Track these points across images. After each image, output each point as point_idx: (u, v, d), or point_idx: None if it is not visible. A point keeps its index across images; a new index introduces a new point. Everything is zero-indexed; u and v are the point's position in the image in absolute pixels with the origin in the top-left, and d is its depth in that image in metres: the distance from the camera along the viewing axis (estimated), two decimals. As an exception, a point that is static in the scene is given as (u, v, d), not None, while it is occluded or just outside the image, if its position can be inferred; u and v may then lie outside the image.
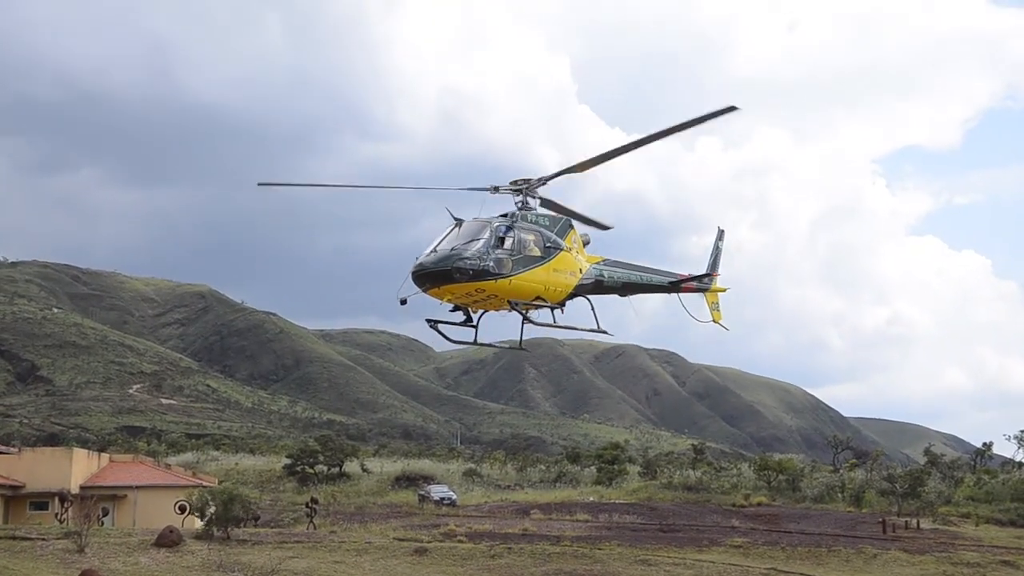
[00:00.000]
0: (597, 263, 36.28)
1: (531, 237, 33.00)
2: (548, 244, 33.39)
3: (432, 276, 31.19)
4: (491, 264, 31.40)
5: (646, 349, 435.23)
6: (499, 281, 31.59)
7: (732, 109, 28.97)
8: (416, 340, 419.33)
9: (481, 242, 31.55)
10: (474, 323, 34.18)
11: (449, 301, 32.31)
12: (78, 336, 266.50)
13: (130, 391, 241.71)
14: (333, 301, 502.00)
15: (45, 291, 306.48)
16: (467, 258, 31.18)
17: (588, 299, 35.16)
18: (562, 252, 33.89)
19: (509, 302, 32.30)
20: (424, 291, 31.53)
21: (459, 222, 32.31)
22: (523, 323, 33.72)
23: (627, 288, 37.67)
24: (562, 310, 34.78)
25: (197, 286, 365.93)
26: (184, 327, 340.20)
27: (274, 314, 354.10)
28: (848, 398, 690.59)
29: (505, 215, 33.22)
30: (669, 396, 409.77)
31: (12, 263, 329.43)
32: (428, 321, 33.75)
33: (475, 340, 34.36)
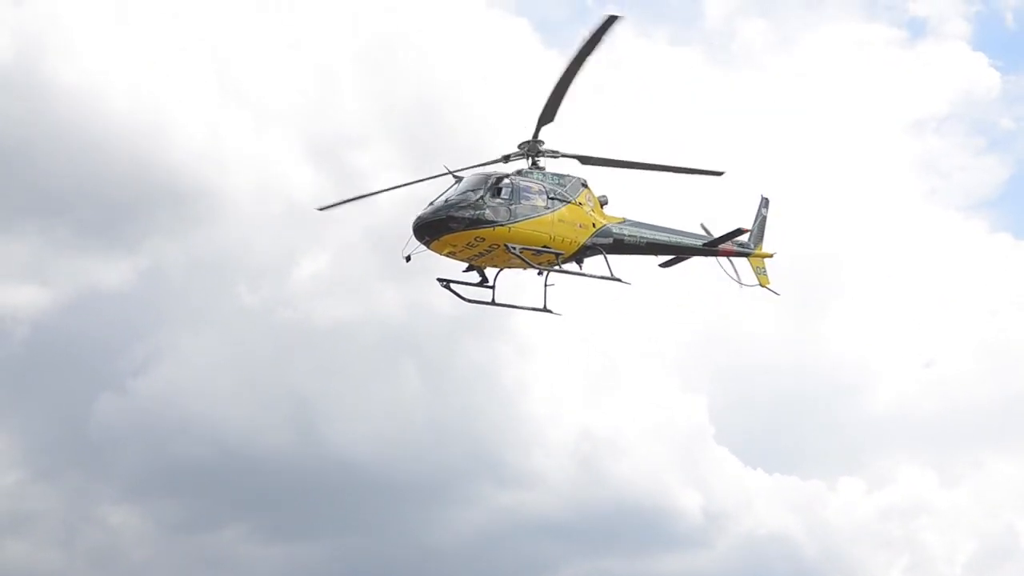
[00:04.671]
0: (618, 223, 35.87)
1: (533, 187, 32.80)
2: (552, 196, 33.09)
3: (429, 226, 31.19)
4: (487, 211, 31.26)
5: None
6: (497, 228, 31.37)
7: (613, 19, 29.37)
8: None
9: (478, 192, 31.48)
10: (490, 283, 34.14)
11: (452, 255, 32.15)
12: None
13: None
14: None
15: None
16: (463, 206, 31.14)
17: (603, 252, 34.66)
18: (569, 204, 33.58)
19: (515, 254, 31.91)
20: (426, 245, 31.55)
21: (459, 178, 32.44)
22: (545, 283, 33.64)
23: (654, 248, 37.30)
24: (580, 266, 34.58)
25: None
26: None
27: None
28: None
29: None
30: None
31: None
32: (440, 280, 33.77)
33: (493, 300, 34.21)
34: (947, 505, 76.75)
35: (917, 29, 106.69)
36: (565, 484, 68.68)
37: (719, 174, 36.42)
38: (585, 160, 34.61)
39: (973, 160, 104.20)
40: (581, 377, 75.14)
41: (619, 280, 34.38)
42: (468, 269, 33.71)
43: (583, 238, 34.02)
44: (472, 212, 31.07)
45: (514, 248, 31.77)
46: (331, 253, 71.32)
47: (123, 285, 71.18)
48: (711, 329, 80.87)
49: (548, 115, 32.43)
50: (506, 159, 33.96)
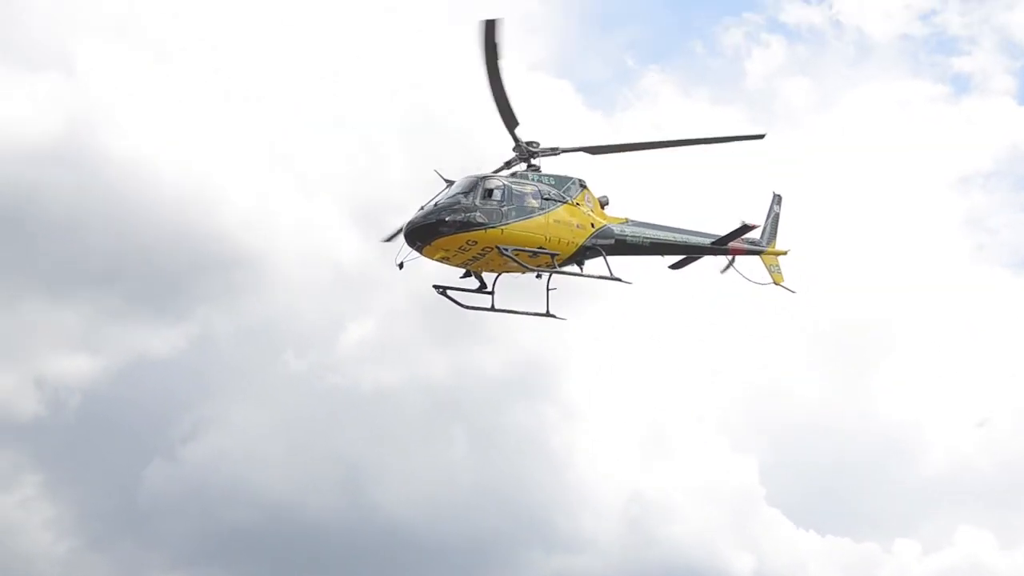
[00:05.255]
0: (620, 223, 35.24)
1: (526, 189, 32.27)
2: (547, 197, 32.52)
3: (420, 231, 30.78)
4: (479, 214, 30.78)
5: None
6: (489, 231, 30.86)
7: (759, 137, 30.84)
8: None
9: (469, 194, 31.05)
10: (489, 289, 33.55)
11: (445, 260, 31.72)
12: None
13: None
14: None
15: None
16: (453, 209, 30.71)
17: (603, 253, 33.90)
18: (565, 204, 33.02)
19: (509, 256, 31.27)
20: (419, 251, 31.11)
21: (449, 183, 32.09)
22: (547, 287, 33.01)
23: (659, 248, 36.49)
24: (581, 268, 33.89)
25: None
26: None
27: None
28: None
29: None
30: None
31: None
32: (436, 287, 33.26)
33: (492, 306, 33.57)
34: (1006, 567, 75.27)
35: (961, 85, 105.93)
36: (615, 547, 68.02)
37: (760, 137, 35.12)
38: (594, 150, 34.11)
39: (1021, 216, 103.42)
40: (629, 439, 74.66)
41: (619, 280, 33.69)
42: (465, 275, 33.31)
43: (581, 239, 33.38)
44: (463, 215, 30.60)
45: (507, 250, 31.16)
46: (378, 318, 71.66)
47: (173, 352, 71.78)
48: (760, 389, 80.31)
49: (508, 121, 32.20)
50: (508, 165, 33.73)
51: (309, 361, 70.92)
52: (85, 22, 76.70)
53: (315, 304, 72.50)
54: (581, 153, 34.29)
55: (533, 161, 33.70)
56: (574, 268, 33.99)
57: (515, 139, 33.01)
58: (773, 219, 41.12)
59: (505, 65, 30.24)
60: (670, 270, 38.71)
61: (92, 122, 68.78)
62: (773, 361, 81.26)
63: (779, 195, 41.85)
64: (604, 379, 74.62)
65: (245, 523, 65.31)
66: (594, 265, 34.55)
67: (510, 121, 32.14)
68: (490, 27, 29.21)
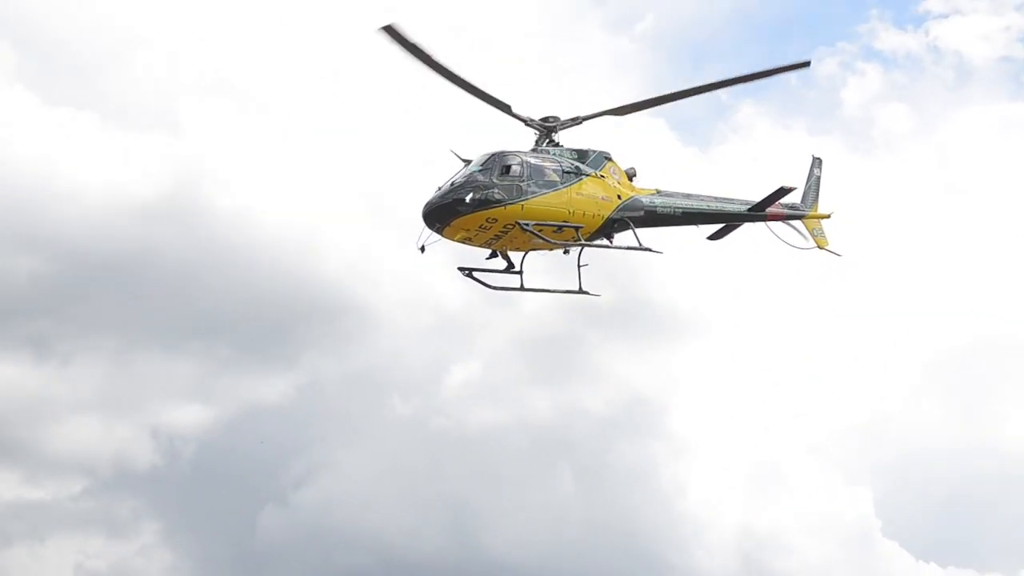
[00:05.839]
0: (650, 194, 34.22)
1: (546, 163, 31.41)
2: (567, 170, 31.63)
3: (438, 212, 30.08)
4: (496, 191, 29.98)
5: None
6: (508, 207, 30.02)
7: (805, 64, 30.22)
8: None
9: (486, 171, 30.34)
10: (517, 269, 32.70)
11: (467, 240, 30.93)
12: None
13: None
14: None
15: None
16: (470, 187, 29.98)
17: (632, 225, 32.82)
18: (588, 177, 32.06)
19: (530, 230, 30.30)
20: (439, 232, 30.43)
21: (467, 162, 31.40)
22: (578, 264, 32.07)
23: (692, 218, 35.23)
24: (610, 242, 32.84)
25: None
26: None
27: None
28: None
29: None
30: None
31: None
32: (461, 269, 32.64)
33: (522, 286, 32.62)
34: None
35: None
36: (728, 585, 67.23)
37: (806, 65, 33.13)
38: (620, 111, 32.89)
39: None
40: (740, 472, 73.68)
41: (649, 249, 32.70)
42: (491, 256, 32.48)
43: (607, 211, 32.33)
44: (481, 193, 29.81)
45: (528, 225, 30.24)
46: (481, 360, 72.04)
47: (282, 399, 73.06)
48: (873, 417, 78.65)
49: (499, 106, 31.60)
50: (536, 144, 32.74)
51: (415, 404, 71.65)
52: (187, 80, 79.23)
53: (419, 347, 73.27)
54: (608, 121, 33.29)
55: (554, 136, 32.87)
56: (603, 242, 32.92)
57: (524, 120, 32.35)
58: (814, 182, 39.77)
59: (443, 56, 29.76)
60: (708, 241, 37.41)
61: (198, 178, 70.91)
62: (886, 387, 79.89)
63: (819, 158, 40.55)
64: (712, 412, 73.99)
65: (358, 566, 65.88)
66: (624, 239, 33.62)
67: (500, 105, 31.47)
68: (392, 32, 28.93)
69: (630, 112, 32.94)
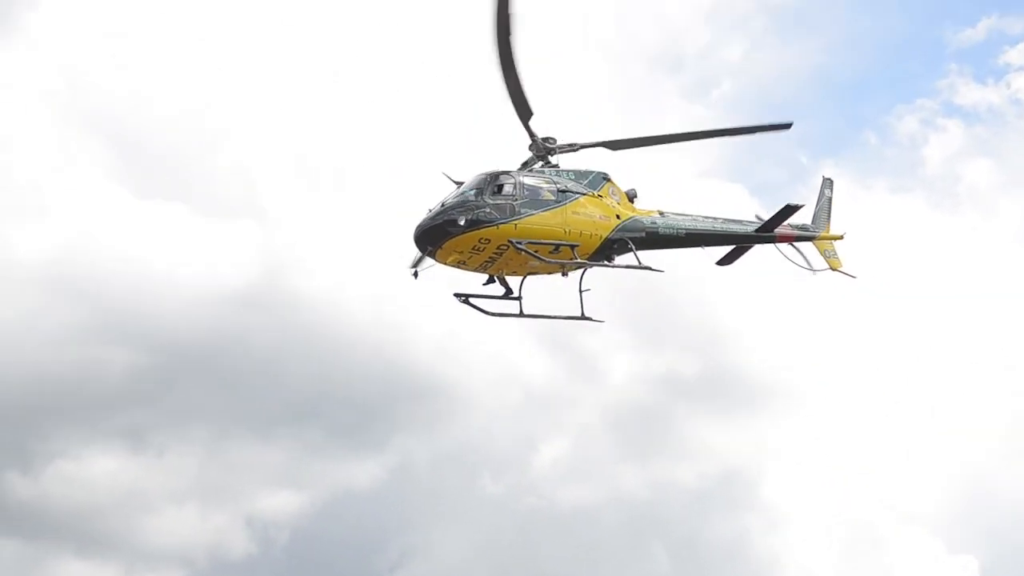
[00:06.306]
0: (652, 215, 33.11)
1: (541, 182, 30.44)
2: (563, 189, 30.63)
3: (429, 234, 29.12)
4: (489, 210, 28.98)
5: None
6: (501, 226, 28.95)
7: (787, 126, 28.42)
8: None
9: (477, 191, 29.39)
10: (516, 294, 31.53)
11: (461, 264, 29.86)
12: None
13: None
14: None
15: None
16: (460, 208, 29.00)
17: (632, 246, 31.64)
18: (585, 196, 31.07)
19: (523, 249, 29.10)
20: (431, 256, 29.47)
21: (459, 184, 30.42)
22: (580, 288, 31.23)
23: (697, 239, 33.86)
24: (609, 261, 31.62)
25: None
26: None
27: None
28: None
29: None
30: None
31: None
32: (457, 296, 31.51)
33: (521, 312, 31.49)
34: None
35: None
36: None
37: (787, 127, 32.30)
38: (614, 145, 32.13)
39: None
40: (837, 543, 72.43)
41: (649, 268, 31.50)
42: (489, 282, 31.40)
43: (605, 231, 31.20)
44: (473, 213, 28.80)
45: (521, 244, 29.06)
46: (570, 437, 71.91)
47: (374, 483, 73.26)
48: (975, 482, 76.96)
49: (523, 112, 30.23)
50: (525, 165, 31.84)
51: (506, 483, 71.56)
52: (270, 167, 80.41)
53: (508, 425, 73.31)
54: (603, 150, 32.48)
55: (551, 159, 31.99)
56: (603, 263, 31.72)
57: (530, 134, 31.28)
58: (825, 203, 38.58)
59: (519, 48, 28.38)
60: (718, 266, 36.07)
61: (286, 266, 71.76)
62: (988, 449, 78.12)
63: (829, 179, 39.45)
64: (806, 481, 72.91)
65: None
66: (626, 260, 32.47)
67: (524, 112, 30.22)
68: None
69: (623, 148, 32.18)
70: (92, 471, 68.89)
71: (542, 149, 31.71)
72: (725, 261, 36.01)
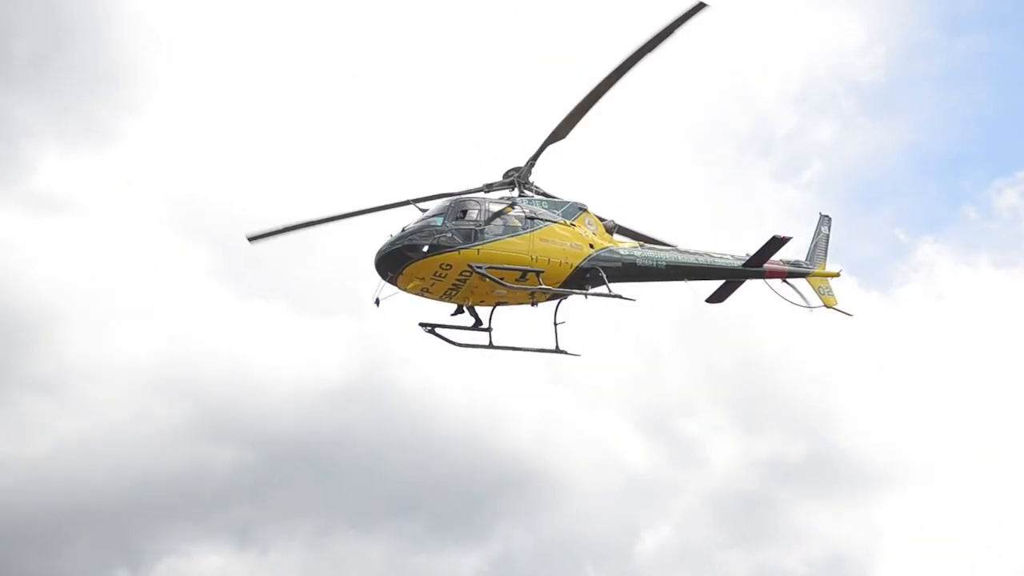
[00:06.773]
0: (630, 246, 32.32)
1: (507, 207, 29.75)
2: (533, 216, 29.92)
3: (388, 260, 28.50)
4: (450, 234, 28.32)
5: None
6: (463, 251, 28.27)
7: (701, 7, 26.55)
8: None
9: (440, 216, 28.78)
10: (485, 325, 30.73)
11: (424, 292, 29.08)
12: None
13: None
14: None
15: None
16: (420, 233, 28.41)
17: (603, 275, 30.69)
18: (555, 224, 30.29)
19: (484, 273, 28.32)
20: (392, 283, 28.80)
21: (424, 210, 29.89)
22: (554, 321, 30.44)
23: (679, 271, 32.81)
24: (585, 296, 30.60)
25: None
26: None
27: None
28: None
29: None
30: None
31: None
32: (423, 325, 30.58)
33: (490, 343, 30.61)
34: None
35: None
36: None
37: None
38: (558, 134, 30.44)
39: None
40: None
41: (619, 297, 30.48)
42: (457, 312, 30.63)
43: (576, 259, 30.26)
44: (432, 238, 28.21)
45: (481, 268, 28.26)
46: (673, 522, 70.86)
47: (477, 575, 72.89)
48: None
49: (558, 133, 29.78)
50: (488, 188, 31.18)
51: (608, 572, 70.60)
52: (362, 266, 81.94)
53: (610, 512, 72.53)
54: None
55: (526, 190, 31.43)
56: (575, 292, 30.78)
57: (535, 156, 30.85)
58: (822, 240, 37.46)
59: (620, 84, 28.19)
60: (707, 303, 34.99)
61: (382, 358, 72.71)
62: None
63: (827, 216, 38.32)
64: (918, 567, 70.54)
65: None
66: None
67: (558, 135, 29.98)
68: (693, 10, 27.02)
69: (566, 130, 30.36)
70: (199, 568, 69.85)
71: (524, 178, 31.33)
72: (715, 298, 35.07)
